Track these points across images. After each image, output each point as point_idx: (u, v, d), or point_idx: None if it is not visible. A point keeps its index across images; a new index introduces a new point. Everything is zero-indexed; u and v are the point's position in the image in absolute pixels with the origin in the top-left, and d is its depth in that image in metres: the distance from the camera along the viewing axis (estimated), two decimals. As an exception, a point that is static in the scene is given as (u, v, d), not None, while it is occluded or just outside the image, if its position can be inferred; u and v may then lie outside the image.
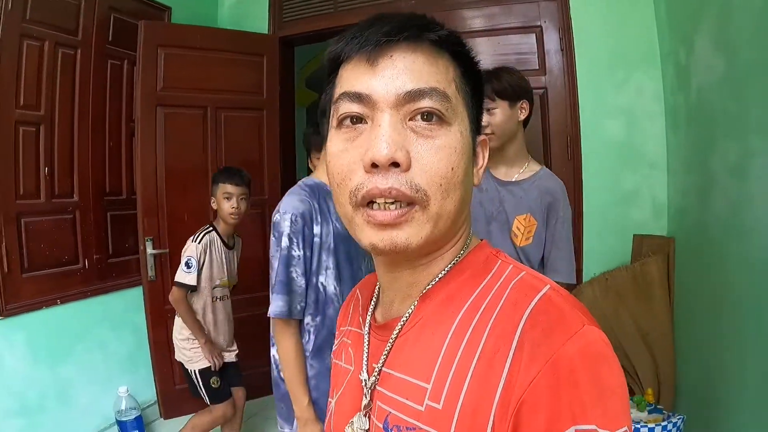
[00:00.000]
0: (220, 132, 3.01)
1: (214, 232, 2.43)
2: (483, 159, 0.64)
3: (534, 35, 2.79)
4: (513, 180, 1.74)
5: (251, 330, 3.22)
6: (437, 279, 0.61)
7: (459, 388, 0.51)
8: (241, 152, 3.06)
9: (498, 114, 1.68)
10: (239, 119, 3.10)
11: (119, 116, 2.89)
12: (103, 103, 2.77)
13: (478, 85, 0.63)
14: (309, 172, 1.84)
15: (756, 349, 1.73)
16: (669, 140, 2.58)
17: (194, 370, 2.40)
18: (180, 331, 2.43)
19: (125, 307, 2.90)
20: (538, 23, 2.78)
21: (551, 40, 2.76)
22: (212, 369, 2.39)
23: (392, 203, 0.54)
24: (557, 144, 2.76)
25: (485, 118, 1.66)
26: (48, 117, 2.53)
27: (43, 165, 2.52)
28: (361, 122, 0.57)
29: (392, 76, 0.55)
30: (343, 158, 0.57)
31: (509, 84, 1.69)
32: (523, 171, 1.75)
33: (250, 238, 3.12)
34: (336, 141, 0.58)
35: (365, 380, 0.63)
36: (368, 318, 0.69)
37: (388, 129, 0.54)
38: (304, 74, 3.85)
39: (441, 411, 0.52)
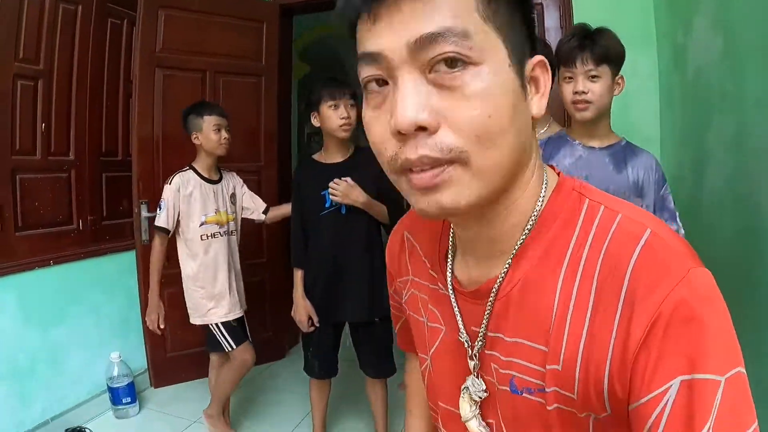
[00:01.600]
0: (218, 97, 2.97)
1: (189, 170, 2.35)
2: (544, 84, 0.56)
3: (534, 13, 2.85)
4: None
5: (252, 297, 3.22)
6: (526, 233, 0.56)
7: (575, 349, 0.51)
8: (239, 118, 3.01)
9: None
10: (238, 85, 3.08)
11: (117, 76, 2.84)
12: (101, 61, 2.72)
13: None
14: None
15: (752, 311, 1.83)
16: (663, 118, 2.68)
17: (215, 324, 2.37)
18: (187, 288, 2.39)
19: (118, 270, 2.86)
20: (539, 1, 2.84)
21: (551, 18, 2.83)
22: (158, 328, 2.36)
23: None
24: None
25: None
26: (47, 72, 2.47)
27: (40, 121, 2.46)
28: (386, 84, 0.51)
29: (399, 24, 0.48)
30: (375, 127, 0.53)
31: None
32: (545, 131, 1.87)
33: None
34: (367, 108, 0.54)
35: (468, 344, 0.62)
36: (449, 277, 0.65)
37: (408, 89, 0.49)
38: (298, 47, 3.82)
39: (562, 372, 0.52)
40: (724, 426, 0.44)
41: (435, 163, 0.49)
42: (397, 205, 2.14)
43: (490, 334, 0.59)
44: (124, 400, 2.75)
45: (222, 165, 2.50)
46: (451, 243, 0.67)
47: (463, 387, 0.63)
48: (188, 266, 2.36)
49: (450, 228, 0.67)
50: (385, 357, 2.32)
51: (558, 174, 0.60)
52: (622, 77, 1.61)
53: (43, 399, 2.53)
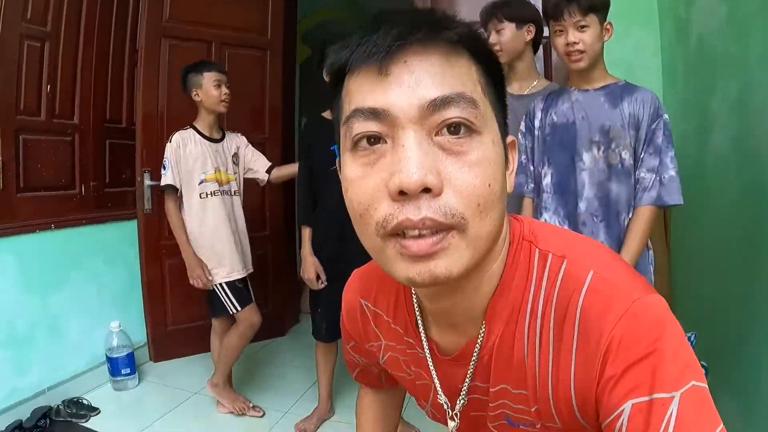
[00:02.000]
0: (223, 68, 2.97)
1: (190, 129, 2.32)
2: (513, 162, 0.60)
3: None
4: (525, 93, 1.91)
5: (253, 271, 3.20)
6: (493, 293, 0.60)
7: (546, 389, 0.57)
8: (244, 91, 3.02)
9: (589, 33, 1.61)
10: (243, 57, 3.08)
11: (123, 44, 2.83)
12: (108, 28, 2.72)
13: (500, 82, 0.57)
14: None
15: (756, 265, 1.84)
16: (666, 93, 2.71)
17: (218, 284, 2.34)
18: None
19: (120, 239, 2.83)
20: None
21: None
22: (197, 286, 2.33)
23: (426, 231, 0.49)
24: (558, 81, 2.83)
25: (493, 38, 1.84)
26: (54, 34, 2.46)
27: (45, 83, 2.44)
28: (379, 142, 0.50)
29: (411, 85, 0.49)
30: (364, 186, 0.51)
31: (516, 9, 1.86)
32: (534, 85, 1.94)
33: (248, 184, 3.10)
34: (353, 166, 0.52)
35: (447, 405, 0.68)
36: (425, 343, 0.68)
37: (415, 149, 0.48)
38: (300, 31, 3.84)
39: (541, 410, 0.59)
40: None
41: (437, 226, 0.48)
42: None
43: (474, 384, 0.65)
44: (123, 371, 2.71)
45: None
46: (417, 308, 0.68)
47: None
48: (189, 226, 2.33)
49: (411, 295, 0.68)
50: None
51: (509, 219, 0.62)
52: (610, 23, 1.67)
53: (40, 367, 2.48)
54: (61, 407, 2.47)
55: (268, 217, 3.23)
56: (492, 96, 0.54)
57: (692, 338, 1.98)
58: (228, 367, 2.46)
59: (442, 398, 0.67)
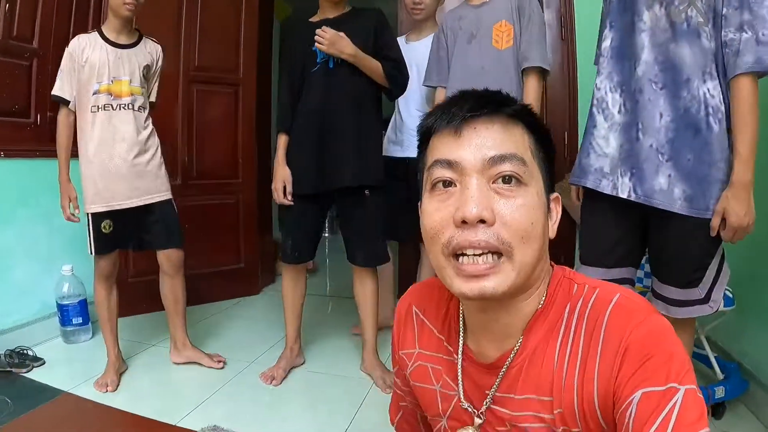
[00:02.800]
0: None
1: (95, 32, 2.03)
2: (557, 214, 0.74)
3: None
4: (483, 2, 2.01)
5: (223, 222, 3.00)
6: (534, 313, 0.71)
7: (572, 390, 0.65)
8: (218, 40, 2.89)
9: None
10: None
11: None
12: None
13: (551, 151, 0.73)
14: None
15: None
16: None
17: (87, 214, 2.06)
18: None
19: (76, 179, 2.60)
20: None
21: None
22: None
23: (480, 255, 0.63)
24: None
25: None
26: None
27: (3, 1, 2.26)
28: (451, 185, 0.66)
29: (477, 145, 0.65)
30: (436, 216, 0.67)
31: None
32: None
33: (220, 118, 2.96)
34: (430, 201, 0.69)
35: (471, 408, 0.75)
36: (460, 349, 0.78)
37: (476, 191, 0.64)
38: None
39: (565, 412, 0.66)
40: (683, 420, 0.55)
41: (488, 248, 0.63)
42: (398, 63, 2.03)
43: (498, 395, 0.73)
44: (74, 321, 2.48)
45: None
46: (462, 321, 0.79)
47: None
48: (80, 145, 2.04)
49: (459, 308, 0.80)
50: (375, 239, 2.11)
51: (552, 266, 0.75)
52: None
53: (-19, 311, 2.24)
54: (1, 356, 2.22)
55: (241, 163, 3.04)
56: (540, 160, 0.70)
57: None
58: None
59: (465, 404, 0.76)
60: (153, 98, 2.22)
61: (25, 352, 2.30)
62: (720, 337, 2.05)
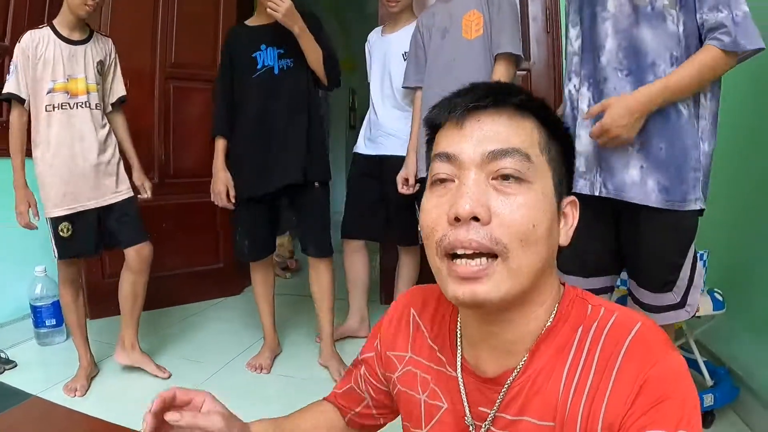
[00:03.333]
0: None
1: (46, 27, 1.93)
2: (573, 218, 0.68)
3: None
4: None
5: (201, 220, 2.94)
6: (543, 330, 0.65)
7: (574, 423, 0.59)
8: (195, 37, 2.86)
9: None
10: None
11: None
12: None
13: (568, 147, 0.68)
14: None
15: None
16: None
17: (47, 219, 1.99)
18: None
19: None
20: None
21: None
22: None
23: (472, 257, 0.58)
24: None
25: None
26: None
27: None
28: (451, 181, 0.62)
29: (479, 138, 0.61)
30: (432, 213, 0.62)
31: None
32: None
33: (197, 115, 2.90)
34: (429, 198, 0.64)
35: (473, 426, 0.69)
36: (459, 361, 0.72)
37: (471, 186, 0.59)
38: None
39: None
40: None
41: (481, 248, 0.58)
42: (334, 61, 2.09)
43: (499, 415, 0.66)
44: (48, 322, 2.43)
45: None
46: (459, 331, 0.74)
47: None
48: (35, 147, 1.96)
49: (457, 318, 0.74)
50: (324, 231, 2.16)
51: (563, 284, 0.69)
52: None
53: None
54: (-28, 359, 2.18)
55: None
56: (551, 157, 0.64)
57: (705, 256, 1.70)
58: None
59: (469, 419, 0.69)
60: (122, 92, 2.15)
61: (-4, 354, 2.25)
62: (709, 341, 1.98)
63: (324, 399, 0.93)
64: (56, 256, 2.01)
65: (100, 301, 2.64)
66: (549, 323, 0.65)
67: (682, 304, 1.30)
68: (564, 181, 0.66)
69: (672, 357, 0.58)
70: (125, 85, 2.17)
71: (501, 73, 1.89)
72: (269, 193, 2.08)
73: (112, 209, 2.05)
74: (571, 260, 1.40)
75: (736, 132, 1.85)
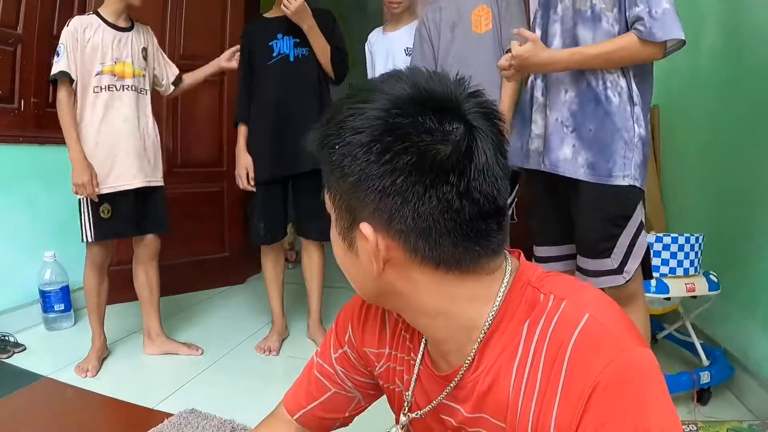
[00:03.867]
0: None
1: (93, 14, 2.01)
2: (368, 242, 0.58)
3: None
4: None
5: (208, 210, 2.99)
6: (488, 323, 0.60)
7: (525, 426, 0.56)
8: (204, 31, 2.90)
9: None
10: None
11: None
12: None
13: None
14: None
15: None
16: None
17: (81, 198, 2.03)
18: None
19: (61, 165, 2.51)
20: None
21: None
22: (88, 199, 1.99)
23: None
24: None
25: None
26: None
27: (-12, -15, 2.26)
28: None
29: None
30: None
31: None
32: None
33: (205, 106, 2.97)
34: None
35: (408, 403, 0.72)
36: (421, 351, 0.71)
37: None
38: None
39: None
40: None
41: None
42: (344, 55, 2.20)
43: (446, 402, 0.67)
44: (56, 307, 2.46)
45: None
46: None
47: None
48: (81, 125, 2.00)
49: None
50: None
51: (520, 263, 0.64)
52: None
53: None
54: (-19, 341, 2.21)
55: (226, 151, 3.00)
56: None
57: (700, 240, 1.78)
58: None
59: (409, 396, 0.71)
60: (175, 71, 2.26)
61: (5, 338, 2.28)
62: (705, 323, 2.04)
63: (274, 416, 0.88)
64: (91, 238, 2.02)
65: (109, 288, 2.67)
66: (493, 313, 0.60)
67: (619, 271, 1.43)
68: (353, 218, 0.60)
69: (626, 355, 0.52)
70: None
71: None
72: (279, 179, 2.19)
73: (148, 194, 2.13)
74: (538, 233, 1.63)
75: (725, 120, 1.94)
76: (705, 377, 1.72)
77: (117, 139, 2.02)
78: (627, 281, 1.43)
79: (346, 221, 0.60)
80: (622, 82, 1.39)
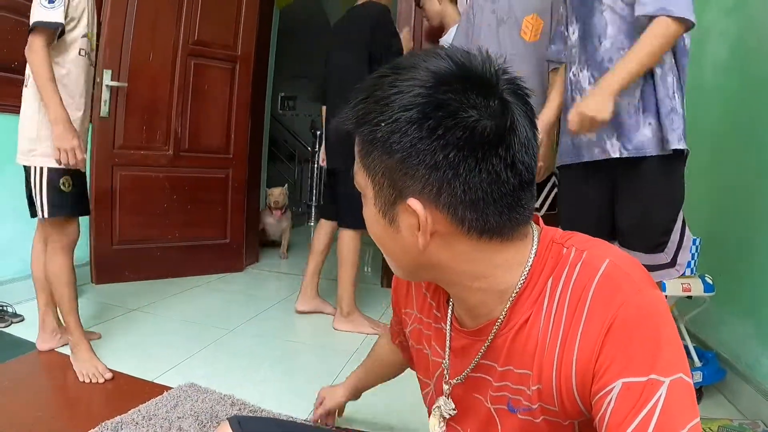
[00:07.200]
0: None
1: None
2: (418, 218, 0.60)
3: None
4: None
5: (208, 194, 3.02)
6: (519, 285, 0.64)
7: (551, 368, 0.60)
8: (219, 18, 2.92)
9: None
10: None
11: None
12: None
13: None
14: None
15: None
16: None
17: (40, 168, 1.78)
18: (31, 109, 1.79)
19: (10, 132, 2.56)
20: None
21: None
22: (63, 166, 1.74)
23: None
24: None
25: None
26: None
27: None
28: None
29: None
30: None
31: None
32: None
33: (215, 93, 2.98)
34: None
35: (447, 371, 0.75)
36: (449, 316, 0.75)
37: None
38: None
39: (543, 389, 0.62)
40: (665, 420, 0.51)
41: None
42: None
43: (483, 361, 0.69)
44: (55, 281, 2.43)
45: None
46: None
47: (434, 407, 0.78)
48: (61, 85, 1.76)
49: None
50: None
51: (541, 228, 0.68)
52: None
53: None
54: (-21, 311, 2.20)
55: (234, 139, 3.04)
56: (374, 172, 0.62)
57: (697, 243, 1.82)
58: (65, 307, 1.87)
59: (446, 363, 0.74)
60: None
61: (4, 308, 2.28)
62: (699, 328, 2.08)
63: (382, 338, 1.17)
64: (45, 213, 1.80)
65: (106, 267, 2.69)
66: (525, 275, 0.64)
67: (672, 264, 1.42)
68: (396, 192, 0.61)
69: (643, 294, 0.56)
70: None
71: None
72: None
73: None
74: (571, 228, 1.54)
75: (726, 130, 1.99)
76: (697, 377, 1.75)
77: (87, 109, 1.90)
78: (681, 273, 1.43)
79: (388, 197, 0.60)
80: (667, 58, 1.37)
